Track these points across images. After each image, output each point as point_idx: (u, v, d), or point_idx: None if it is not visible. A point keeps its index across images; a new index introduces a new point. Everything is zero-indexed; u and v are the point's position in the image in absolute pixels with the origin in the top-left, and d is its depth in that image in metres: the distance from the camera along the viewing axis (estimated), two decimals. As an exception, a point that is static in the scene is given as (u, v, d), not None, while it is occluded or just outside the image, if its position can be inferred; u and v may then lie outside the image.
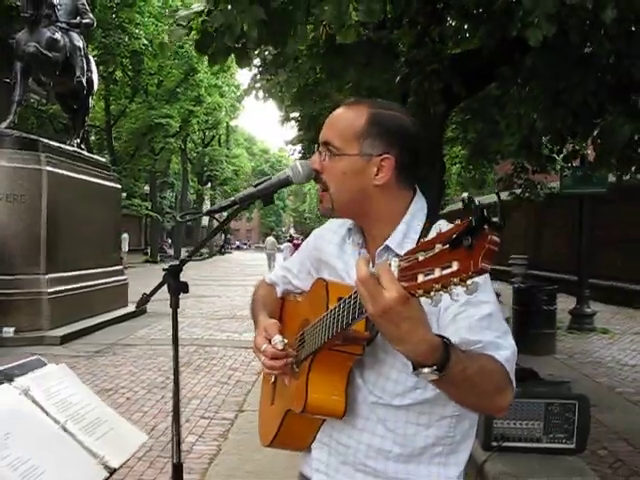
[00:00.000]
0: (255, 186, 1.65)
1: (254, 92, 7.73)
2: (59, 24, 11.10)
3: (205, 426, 5.73)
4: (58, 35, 10.92)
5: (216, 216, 1.82)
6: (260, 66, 7.31)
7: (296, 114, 9.89)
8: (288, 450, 1.71)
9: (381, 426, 1.45)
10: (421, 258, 0.97)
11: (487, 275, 1.22)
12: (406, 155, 1.44)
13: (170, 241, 49.81)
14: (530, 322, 8.65)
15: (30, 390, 1.76)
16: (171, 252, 43.58)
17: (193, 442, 5.32)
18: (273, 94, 7.88)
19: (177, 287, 1.78)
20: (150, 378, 7.47)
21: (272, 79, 7.43)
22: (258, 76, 7.53)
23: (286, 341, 1.51)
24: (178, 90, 33.47)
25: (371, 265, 1.54)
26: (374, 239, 1.51)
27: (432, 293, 0.96)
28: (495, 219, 0.93)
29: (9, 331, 9.13)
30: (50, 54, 10.63)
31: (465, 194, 1.13)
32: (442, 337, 1.13)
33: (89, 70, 12.20)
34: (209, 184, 49.99)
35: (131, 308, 12.59)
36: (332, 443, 1.53)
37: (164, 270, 1.81)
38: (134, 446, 1.92)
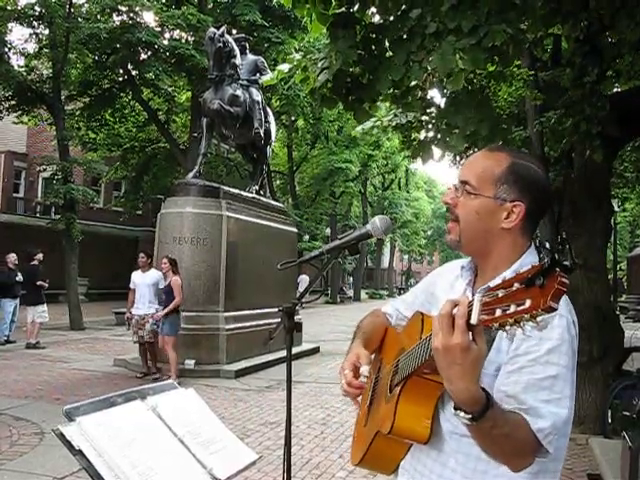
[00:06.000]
0: (340, 239, 1.83)
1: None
2: (240, 81, 12.05)
3: (358, 463, 5.82)
4: (239, 92, 11.82)
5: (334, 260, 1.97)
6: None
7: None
8: (375, 472, 1.79)
9: (453, 459, 1.50)
10: (500, 295, 1.09)
11: (566, 339, 1.37)
12: (535, 206, 1.53)
13: (351, 282, 50.74)
14: None
15: (157, 407, 2.00)
16: (350, 293, 44.34)
17: (344, 477, 5.43)
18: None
19: (291, 326, 1.96)
20: (312, 414, 7.71)
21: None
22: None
23: (368, 374, 1.63)
24: (355, 134, 34.39)
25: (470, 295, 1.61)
26: (485, 278, 1.57)
27: (507, 327, 1.08)
28: (566, 262, 1.05)
29: (190, 363, 9.89)
30: (232, 109, 11.50)
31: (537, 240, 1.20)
32: (487, 393, 1.25)
33: (267, 121, 12.97)
34: (389, 226, 50.39)
35: (304, 347, 13.03)
36: (411, 470, 1.61)
37: (279, 310, 2.00)
38: (243, 463, 2.08)
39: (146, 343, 9.71)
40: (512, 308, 1.05)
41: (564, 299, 1.45)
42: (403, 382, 1.48)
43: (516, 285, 1.06)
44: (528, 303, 1.03)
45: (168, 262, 9.45)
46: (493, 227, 1.52)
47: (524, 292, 1.04)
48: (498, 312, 1.07)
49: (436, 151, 6.96)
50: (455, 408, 1.26)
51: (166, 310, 9.20)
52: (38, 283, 12.76)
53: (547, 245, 1.10)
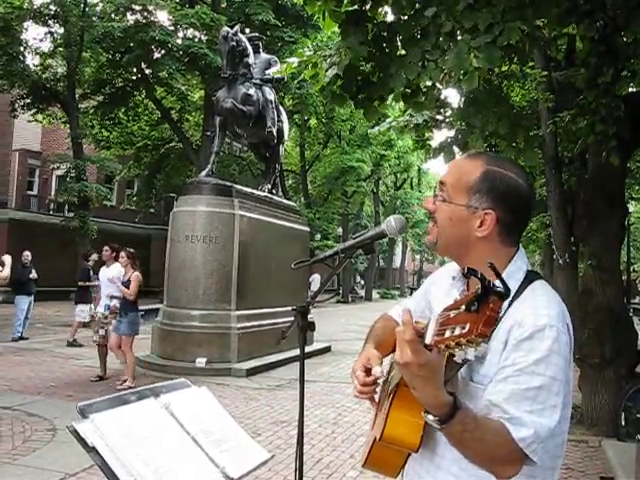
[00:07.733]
0: (355, 238, 1.83)
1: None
2: (253, 80, 12.05)
3: (368, 463, 5.82)
4: (252, 90, 11.81)
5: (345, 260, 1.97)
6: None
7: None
8: (381, 474, 1.79)
9: (456, 466, 1.49)
10: (452, 315, 1.12)
11: (555, 351, 1.36)
12: (510, 215, 1.52)
13: (363, 282, 50.71)
14: None
15: (170, 405, 1.99)
16: (362, 293, 44.31)
17: (354, 477, 5.43)
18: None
19: (304, 326, 1.96)
20: (324, 413, 7.71)
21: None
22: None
23: (384, 374, 1.61)
24: (370, 135, 34.40)
25: None
26: (475, 287, 1.56)
27: (452, 349, 1.12)
28: (499, 288, 1.07)
29: (202, 362, 9.90)
30: (245, 108, 11.51)
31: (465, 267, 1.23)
32: (455, 397, 1.31)
33: (280, 120, 12.94)
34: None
35: (316, 346, 13.00)
36: (415, 477, 1.60)
37: (293, 310, 2.00)
38: (255, 462, 2.07)
39: (98, 345, 9.28)
40: (457, 330, 1.08)
41: (557, 303, 1.46)
42: (394, 391, 1.49)
43: (462, 307, 1.09)
44: (467, 327, 1.06)
45: (126, 256, 8.82)
46: (468, 235, 1.53)
47: (466, 316, 1.07)
48: (447, 333, 1.10)
49: (457, 151, 6.94)
50: (425, 411, 1.32)
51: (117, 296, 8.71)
52: (79, 283, 12.78)
53: (479, 274, 1.10)
